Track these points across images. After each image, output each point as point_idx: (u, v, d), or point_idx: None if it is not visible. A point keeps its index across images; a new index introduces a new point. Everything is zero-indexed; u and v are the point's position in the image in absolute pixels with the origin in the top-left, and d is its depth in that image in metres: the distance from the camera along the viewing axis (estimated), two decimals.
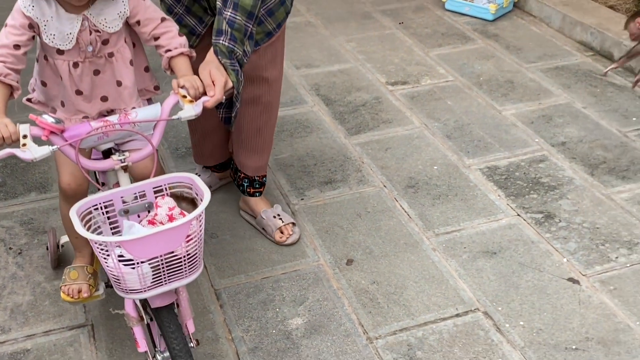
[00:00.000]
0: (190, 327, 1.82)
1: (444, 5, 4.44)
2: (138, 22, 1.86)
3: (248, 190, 2.57)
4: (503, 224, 2.60)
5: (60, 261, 2.38)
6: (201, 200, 1.65)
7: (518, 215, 2.64)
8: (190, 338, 1.82)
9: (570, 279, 2.34)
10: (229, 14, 1.96)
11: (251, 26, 2.01)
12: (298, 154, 2.98)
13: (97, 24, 1.79)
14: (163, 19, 1.89)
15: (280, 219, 2.51)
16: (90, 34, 1.79)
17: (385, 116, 3.28)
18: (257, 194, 2.58)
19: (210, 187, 2.63)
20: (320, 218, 2.63)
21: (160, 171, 1.89)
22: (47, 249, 2.36)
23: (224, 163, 2.74)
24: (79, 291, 2.02)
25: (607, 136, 3.11)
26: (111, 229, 1.74)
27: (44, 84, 1.90)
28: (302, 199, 2.72)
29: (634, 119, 3.23)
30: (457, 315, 2.21)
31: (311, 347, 2.11)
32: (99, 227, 1.71)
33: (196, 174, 2.67)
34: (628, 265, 2.40)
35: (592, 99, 3.40)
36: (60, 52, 1.81)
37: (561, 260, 2.42)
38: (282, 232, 2.49)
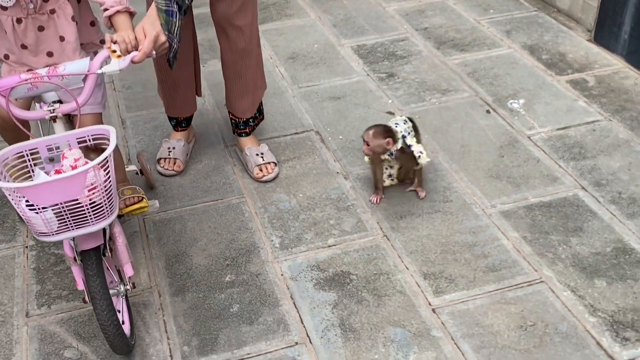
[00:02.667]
0: (128, 271, 1.94)
1: None
2: None
3: (236, 130, 2.78)
4: (354, 80, 3.34)
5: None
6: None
7: (367, 75, 3.37)
8: (125, 281, 1.96)
9: (388, 112, 3.08)
10: None
11: None
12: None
13: None
14: None
15: (262, 157, 2.70)
16: None
17: (289, 12, 4.01)
18: (244, 134, 2.75)
19: (187, 154, 2.78)
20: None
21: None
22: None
23: (190, 118, 2.82)
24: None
25: (463, 23, 3.80)
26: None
27: None
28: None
29: (491, 11, 3.92)
30: (296, 133, 2.97)
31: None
32: (33, 171, 1.82)
33: (169, 149, 2.74)
34: (437, 104, 3.13)
35: None
36: (3, 8, 1.91)
37: (387, 101, 3.16)
38: (260, 170, 2.67)
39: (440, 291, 2.18)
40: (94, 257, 1.82)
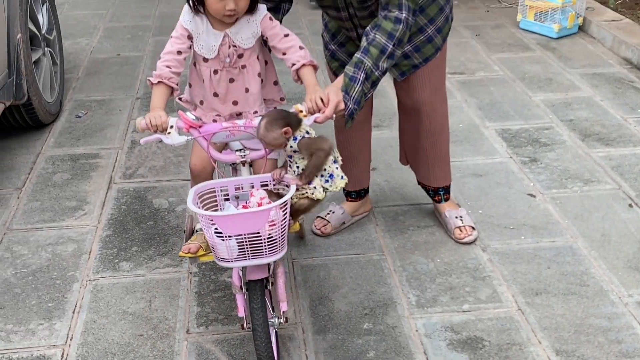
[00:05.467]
0: (283, 307, 2.12)
1: (518, 24, 5.33)
2: (266, 38, 2.22)
3: (435, 199, 2.92)
4: (496, 160, 3.47)
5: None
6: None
7: (510, 157, 3.49)
8: (279, 315, 2.12)
9: (530, 194, 3.18)
10: (371, 35, 2.26)
11: (391, 46, 2.24)
12: None
13: (235, 40, 2.17)
14: (286, 35, 2.22)
15: (461, 219, 2.84)
16: (229, 48, 2.17)
17: None
18: (443, 201, 2.90)
19: (343, 223, 2.91)
20: None
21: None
22: (184, 231, 2.59)
23: (362, 191, 2.94)
24: (189, 249, 2.32)
25: (609, 119, 3.87)
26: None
27: (190, 85, 2.30)
28: None
29: (638, 110, 3.96)
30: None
31: None
32: (219, 204, 2.11)
33: (330, 212, 2.91)
34: (578, 192, 3.19)
35: (611, 95, 4.16)
36: (205, 60, 2.20)
37: (528, 184, 3.26)
38: (460, 231, 2.82)
39: None
40: (259, 289, 2.02)
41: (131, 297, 2.56)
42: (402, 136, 2.92)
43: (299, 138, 2.05)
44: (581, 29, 5.22)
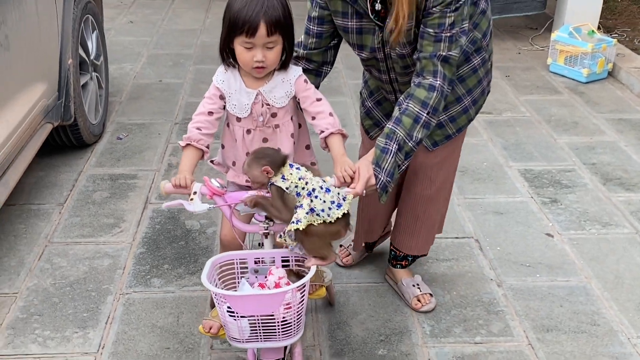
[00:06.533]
0: None
1: (548, 67, 5.45)
2: (298, 100, 2.17)
3: (392, 261, 2.82)
4: (517, 199, 3.57)
5: None
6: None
7: (531, 197, 3.60)
8: None
9: (547, 234, 3.28)
10: (404, 104, 2.18)
11: (425, 115, 2.15)
12: None
13: (268, 99, 2.12)
14: (319, 99, 2.16)
15: (419, 288, 2.75)
16: (262, 107, 2.13)
17: None
18: (399, 266, 2.80)
19: (362, 256, 2.99)
20: None
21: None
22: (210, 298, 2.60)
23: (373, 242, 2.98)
24: (210, 327, 2.31)
25: (632, 164, 3.95)
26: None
27: (223, 147, 2.26)
28: None
29: None
30: (456, 237, 3.23)
31: None
32: (239, 279, 2.04)
33: (352, 242, 2.93)
34: (596, 234, 3.28)
35: (635, 141, 4.24)
36: (238, 119, 2.16)
37: (547, 224, 3.36)
38: (418, 301, 2.72)
39: None
40: None
41: (160, 312, 2.71)
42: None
43: (287, 183, 1.93)
44: (610, 74, 5.31)
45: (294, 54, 2.26)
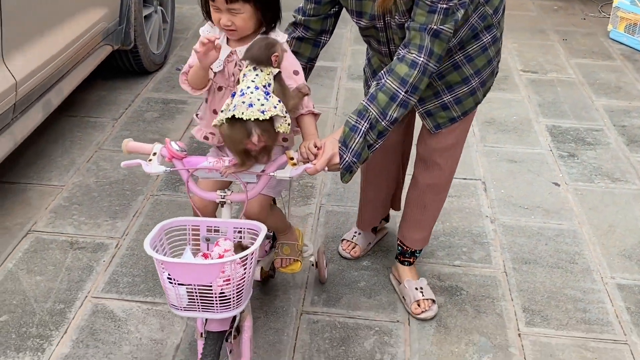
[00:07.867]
0: None
1: (609, 34, 5.43)
2: None
3: (399, 257, 2.67)
4: (535, 151, 3.71)
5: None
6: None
7: (550, 150, 3.72)
8: None
9: (555, 183, 3.42)
10: (383, 79, 2.03)
11: (403, 93, 2.00)
12: None
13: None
14: (295, 72, 2.04)
15: (422, 292, 2.59)
16: (235, 66, 2.02)
17: (503, 86, 4.49)
18: (406, 263, 2.65)
19: (369, 243, 2.86)
20: None
21: (269, 217, 2.18)
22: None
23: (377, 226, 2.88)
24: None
25: None
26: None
27: (206, 100, 2.16)
28: None
29: None
30: (465, 178, 3.43)
31: None
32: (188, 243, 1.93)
33: (355, 233, 2.86)
34: (603, 187, 3.39)
35: None
36: (215, 74, 2.05)
37: (557, 174, 3.49)
38: (419, 305, 2.55)
39: (532, 324, 2.51)
40: (214, 340, 1.90)
41: (182, 213, 3.07)
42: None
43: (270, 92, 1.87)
44: None
45: (293, 19, 2.25)
